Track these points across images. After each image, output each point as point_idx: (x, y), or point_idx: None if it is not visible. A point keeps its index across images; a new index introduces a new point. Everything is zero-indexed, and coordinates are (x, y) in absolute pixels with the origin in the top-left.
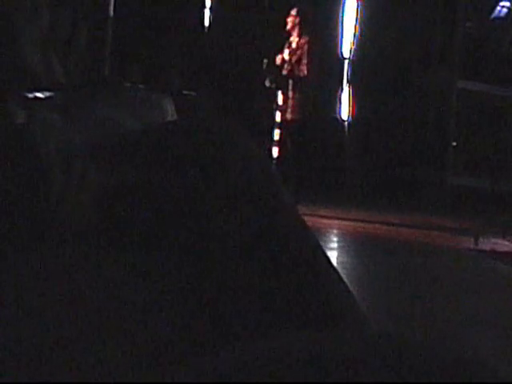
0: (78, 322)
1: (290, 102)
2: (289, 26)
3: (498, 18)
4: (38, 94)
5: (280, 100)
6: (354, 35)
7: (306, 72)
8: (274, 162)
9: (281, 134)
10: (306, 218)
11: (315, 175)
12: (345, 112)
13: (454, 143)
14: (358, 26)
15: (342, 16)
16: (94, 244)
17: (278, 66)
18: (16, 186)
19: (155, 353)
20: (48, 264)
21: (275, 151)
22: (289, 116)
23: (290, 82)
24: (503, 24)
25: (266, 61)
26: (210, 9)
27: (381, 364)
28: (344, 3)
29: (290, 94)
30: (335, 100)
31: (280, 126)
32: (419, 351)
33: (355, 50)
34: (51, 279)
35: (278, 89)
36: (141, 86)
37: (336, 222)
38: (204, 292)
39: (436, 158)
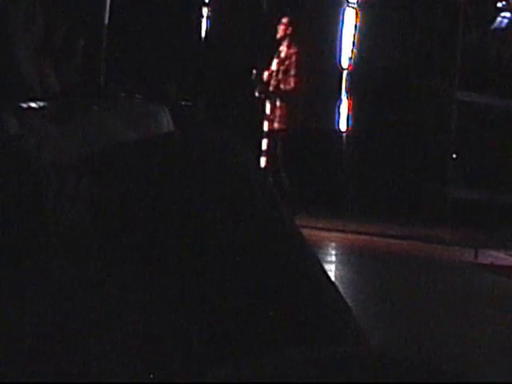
0: (75, 334)
1: (278, 111)
2: (279, 36)
3: (499, 28)
4: (32, 104)
5: (268, 109)
6: (353, 46)
7: (292, 84)
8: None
9: (268, 144)
10: (303, 231)
11: (313, 187)
12: (343, 123)
13: (454, 155)
14: (356, 37)
15: (341, 26)
16: (88, 254)
17: (264, 82)
18: (9, 196)
19: (153, 367)
20: (41, 274)
21: (263, 161)
22: (276, 126)
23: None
24: (504, 35)
25: (254, 71)
26: (208, 18)
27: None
28: (343, 13)
29: (278, 103)
30: (333, 111)
31: (268, 135)
32: (415, 370)
33: (354, 60)
34: (45, 289)
35: (267, 98)
36: (137, 96)
37: (334, 234)
38: (201, 306)
39: (436, 170)
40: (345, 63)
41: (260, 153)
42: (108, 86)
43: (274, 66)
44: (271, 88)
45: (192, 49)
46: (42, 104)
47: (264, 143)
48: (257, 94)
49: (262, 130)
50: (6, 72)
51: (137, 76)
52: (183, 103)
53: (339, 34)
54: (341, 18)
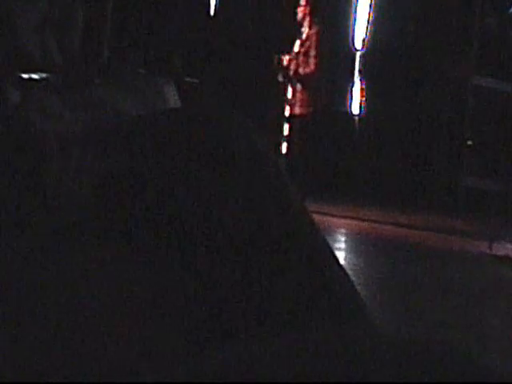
0: (75, 314)
1: (299, 95)
2: (299, 17)
3: None
4: (34, 76)
5: (290, 94)
6: (367, 27)
7: (313, 66)
8: (283, 157)
9: (289, 129)
10: (313, 216)
11: (324, 172)
12: (356, 107)
13: (469, 142)
14: (371, 19)
15: (356, 7)
16: (90, 231)
17: (285, 67)
18: (10, 168)
19: (156, 347)
20: (44, 252)
21: (284, 146)
22: (297, 110)
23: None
24: None
25: (276, 56)
26: None
27: (385, 366)
28: None
29: (300, 87)
30: (346, 94)
31: (289, 120)
32: (424, 353)
33: (368, 42)
34: (47, 268)
35: (288, 82)
36: (142, 71)
37: (345, 221)
38: (208, 288)
39: (450, 157)
40: (358, 44)
41: (281, 138)
42: (112, 60)
43: (296, 48)
44: (291, 72)
45: (199, 23)
46: (44, 75)
47: (285, 128)
48: (280, 79)
49: (284, 115)
50: (8, 43)
51: (141, 50)
52: (189, 80)
53: (353, 15)
54: None
